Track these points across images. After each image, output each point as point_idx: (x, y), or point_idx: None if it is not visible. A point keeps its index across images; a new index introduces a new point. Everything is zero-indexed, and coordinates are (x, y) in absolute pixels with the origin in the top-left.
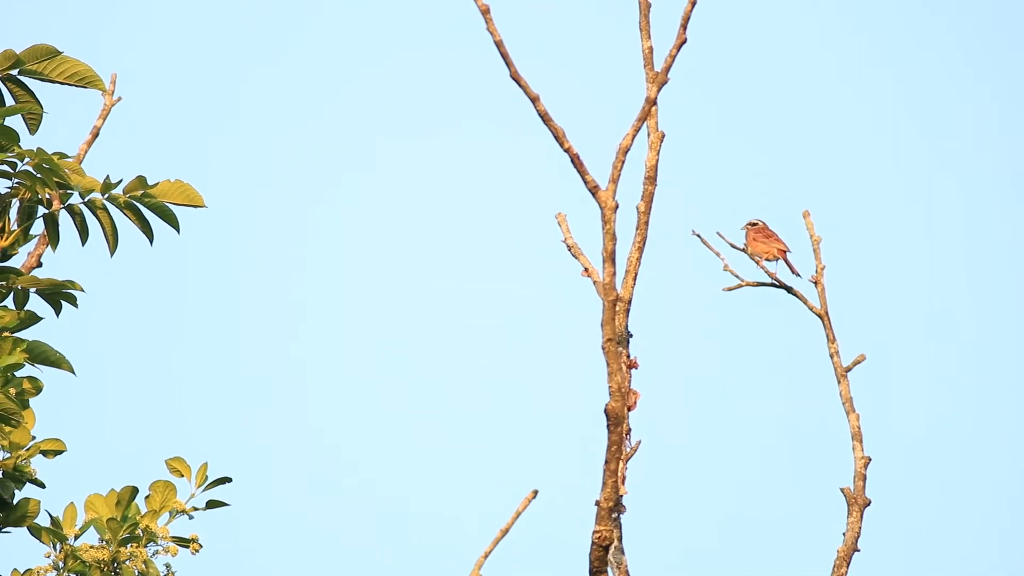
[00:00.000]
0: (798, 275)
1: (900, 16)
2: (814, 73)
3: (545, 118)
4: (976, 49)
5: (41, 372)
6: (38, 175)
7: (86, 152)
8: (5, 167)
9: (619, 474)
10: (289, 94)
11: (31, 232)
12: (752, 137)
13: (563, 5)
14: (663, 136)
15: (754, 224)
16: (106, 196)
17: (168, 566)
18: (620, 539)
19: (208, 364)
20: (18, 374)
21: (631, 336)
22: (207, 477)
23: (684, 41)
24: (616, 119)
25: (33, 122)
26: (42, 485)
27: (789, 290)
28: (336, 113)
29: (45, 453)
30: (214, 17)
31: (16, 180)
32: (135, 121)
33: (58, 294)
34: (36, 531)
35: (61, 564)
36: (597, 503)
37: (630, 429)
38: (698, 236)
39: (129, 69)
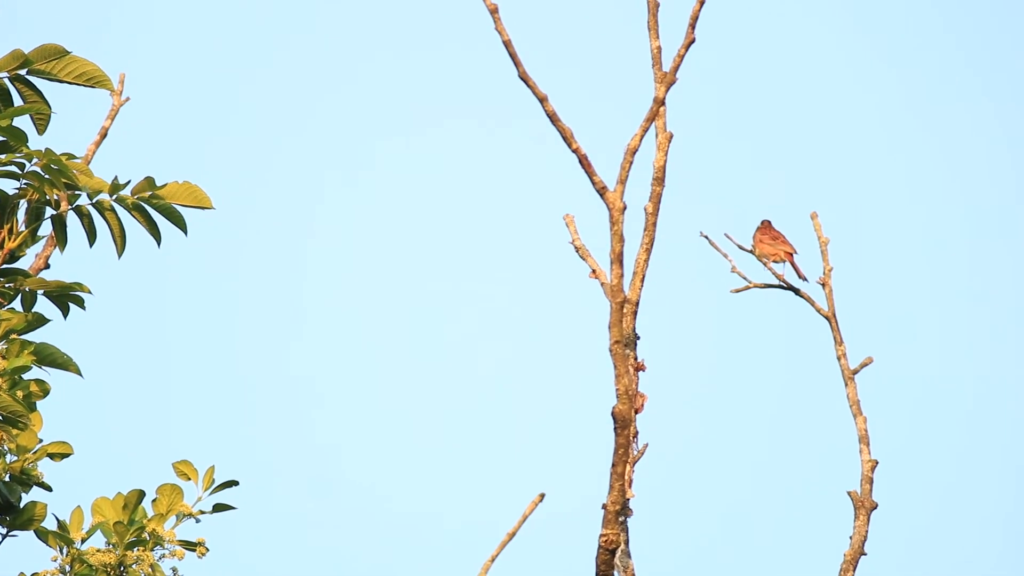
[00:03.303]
0: (804, 279)
1: (905, 15)
2: (823, 73)
3: (553, 118)
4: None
5: (48, 374)
6: (46, 176)
7: (94, 153)
8: (13, 168)
9: (626, 477)
10: (289, 94)
11: (39, 233)
12: (760, 137)
13: (571, 4)
14: (671, 137)
15: (765, 224)
16: (114, 197)
17: (175, 570)
18: (627, 543)
19: (209, 365)
20: (25, 376)
21: (638, 338)
22: (214, 480)
23: (693, 41)
24: (624, 120)
25: (41, 122)
26: (49, 488)
27: (796, 292)
28: (336, 113)
29: (52, 456)
30: (214, 17)
31: (24, 181)
32: (139, 121)
33: (66, 296)
34: (43, 535)
35: (68, 568)
36: (604, 507)
37: (637, 432)
38: (706, 237)
39: (128, 69)
